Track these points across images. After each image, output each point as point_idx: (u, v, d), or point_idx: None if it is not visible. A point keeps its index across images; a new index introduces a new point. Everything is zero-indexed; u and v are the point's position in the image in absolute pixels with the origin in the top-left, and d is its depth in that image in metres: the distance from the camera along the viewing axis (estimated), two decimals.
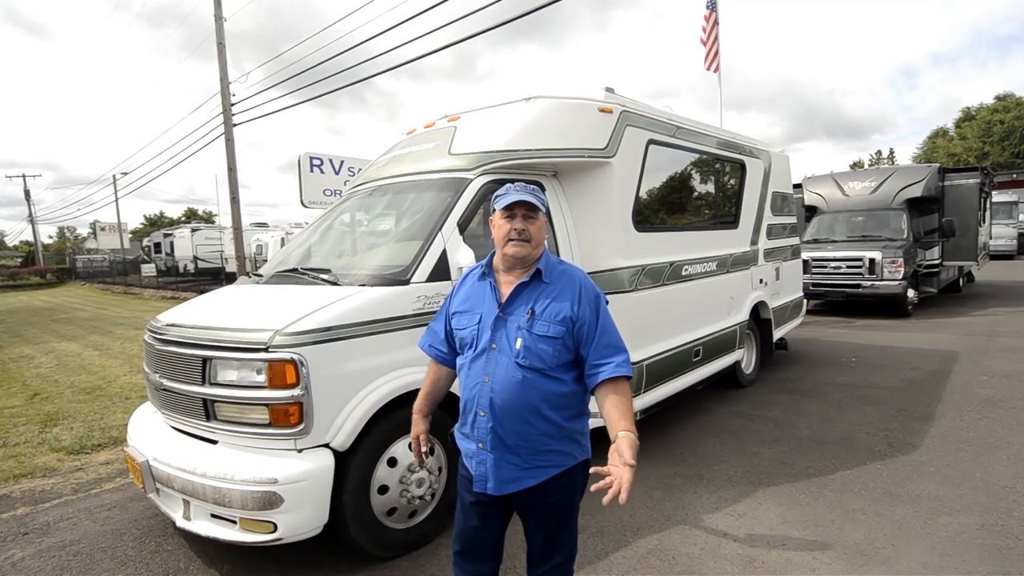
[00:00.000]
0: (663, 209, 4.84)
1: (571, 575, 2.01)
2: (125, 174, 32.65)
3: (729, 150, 5.74)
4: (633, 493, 3.80)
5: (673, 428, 4.77)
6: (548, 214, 3.74)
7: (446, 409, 3.14)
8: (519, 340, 1.81)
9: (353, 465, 2.75)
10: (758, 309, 6.07)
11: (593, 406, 1.91)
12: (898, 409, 5.05)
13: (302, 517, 2.58)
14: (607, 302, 1.91)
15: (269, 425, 2.62)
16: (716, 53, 12.21)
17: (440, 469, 3.13)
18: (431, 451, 2.11)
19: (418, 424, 2.14)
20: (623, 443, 1.65)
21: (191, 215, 66.06)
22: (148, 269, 31.10)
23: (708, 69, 12.25)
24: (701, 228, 5.38)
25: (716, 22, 12.16)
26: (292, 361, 2.58)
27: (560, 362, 1.81)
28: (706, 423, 4.90)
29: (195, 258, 29.28)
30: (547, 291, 1.84)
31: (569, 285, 1.85)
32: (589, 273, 2.17)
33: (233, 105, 14.16)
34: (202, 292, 4.27)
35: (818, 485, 3.64)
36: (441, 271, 3.18)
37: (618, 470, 1.58)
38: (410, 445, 2.18)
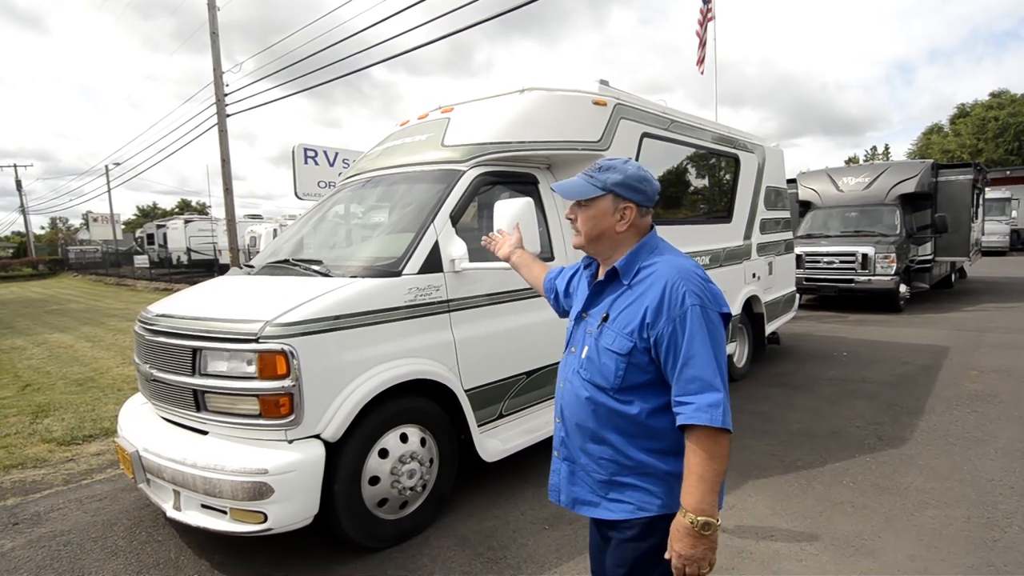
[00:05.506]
0: (656, 203, 4.84)
1: None
2: (117, 164, 32.46)
3: (723, 144, 5.74)
4: None
5: None
6: (541, 208, 3.75)
7: (441, 404, 3.17)
8: (586, 348, 1.56)
9: (344, 456, 2.75)
10: (750, 303, 6.10)
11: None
12: (888, 403, 5.09)
13: (292, 507, 2.58)
14: (715, 317, 1.42)
15: (259, 416, 2.62)
16: (706, 54, 12.12)
17: (431, 461, 3.14)
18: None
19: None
20: (675, 530, 1.37)
21: (184, 206, 65.64)
22: (141, 261, 30.87)
23: (698, 64, 12.17)
24: (694, 222, 5.39)
25: (710, 18, 12.07)
26: (282, 352, 2.57)
27: (628, 384, 1.46)
28: None
29: (188, 250, 29.11)
30: (628, 294, 1.50)
31: (652, 288, 1.45)
32: None
33: (227, 95, 14.06)
34: (195, 284, 4.26)
35: (807, 478, 3.67)
36: (433, 263, 3.18)
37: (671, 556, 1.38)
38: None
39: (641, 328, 1.43)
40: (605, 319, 1.52)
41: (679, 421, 1.37)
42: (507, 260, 2.30)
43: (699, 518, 1.32)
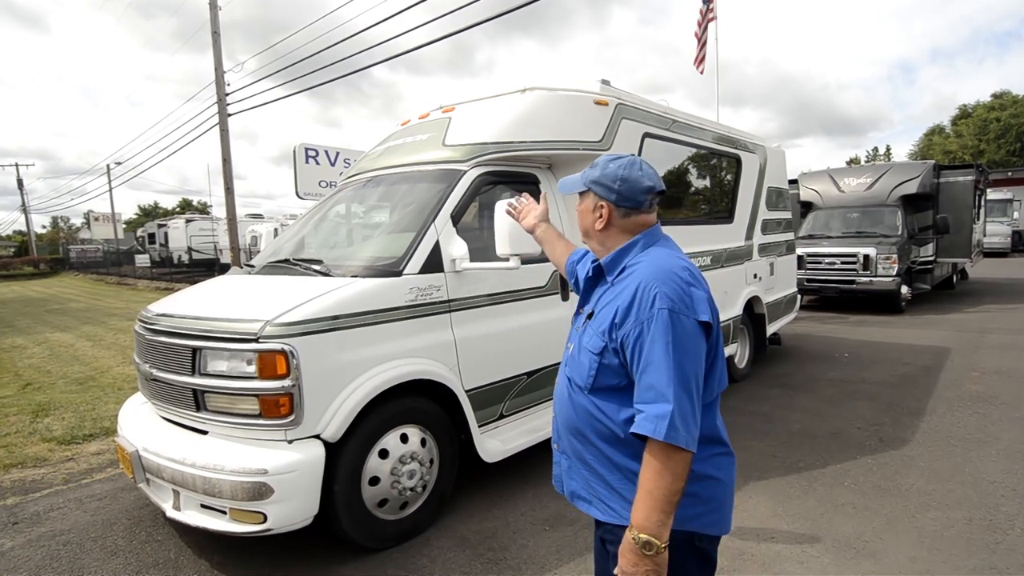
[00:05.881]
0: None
1: None
2: (119, 164, 32.44)
3: (725, 144, 5.73)
4: None
5: None
6: None
7: (441, 404, 3.16)
8: (572, 344, 1.55)
9: (344, 456, 2.74)
10: (752, 304, 6.08)
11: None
12: (889, 404, 5.08)
13: (292, 508, 2.58)
14: (686, 323, 1.30)
15: (259, 416, 2.61)
16: (706, 55, 12.09)
17: (432, 461, 3.13)
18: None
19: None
20: (621, 545, 1.29)
21: (186, 206, 65.69)
22: (142, 260, 30.90)
23: (696, 64, 12.15)
24: (696, 222, 5.38)
25: (711, 19, 12.04)
26: (283, 352, 2.56)
27: (600, 385, 1.41)
28: None
29: (189, 249, 29.12)
30: (610, 292, 1.46)
31: (628, 288, 1.39)
32: None
33: (228, 95, 14.05)
34: (195, 283, 4.26)
35: (808, 479, 3.66)
36: (434, 263, 3.17)
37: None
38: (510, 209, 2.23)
39: (611, 328, 1.38)
40: (590, 316, 1.49)
41: (632, 427, 1.30)
42: (531, 232, 2.14)
43: (641, 535, 1.24)
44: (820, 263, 10.40)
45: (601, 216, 1.52)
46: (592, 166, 1.56)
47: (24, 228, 51.58)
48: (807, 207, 12.11)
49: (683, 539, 1.36)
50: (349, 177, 4.43)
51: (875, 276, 9.81)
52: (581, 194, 1.59)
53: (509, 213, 2.30)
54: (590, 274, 1.59)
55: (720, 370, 1.43)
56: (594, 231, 1.55)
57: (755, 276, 6.12)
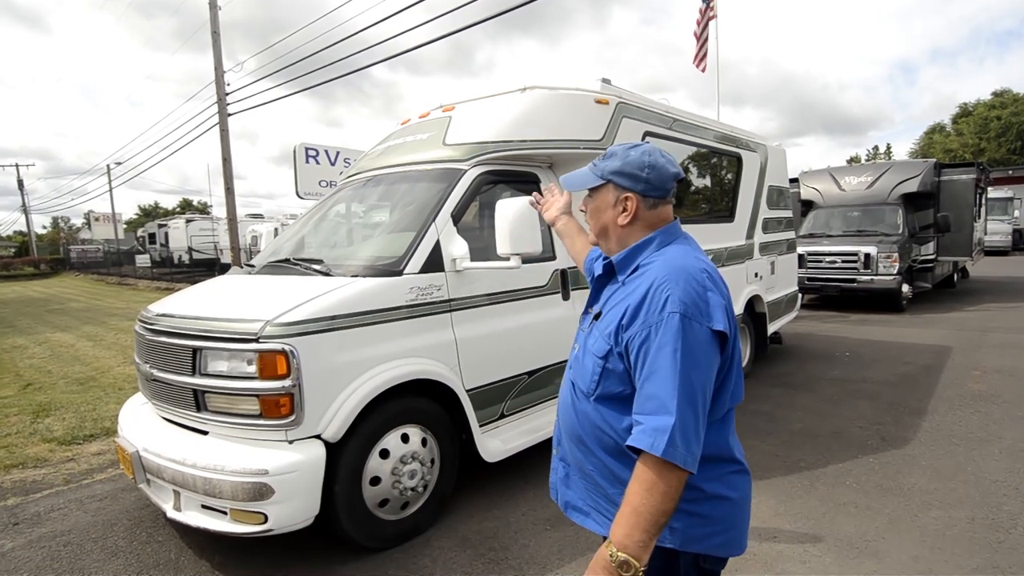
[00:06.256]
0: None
1: None
2: (119, 164, 32.43)
3: (726, 143, 5.72)
4: None
5: None
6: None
7: (442, 404, 3.15)
8: (577, 346, 1.47)
9: (345, 456, 2.73)
10: (753, 303, 6.07)
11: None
12: (891, 403, 5.07)
13: (293, 508, 2.57)
14: (698, 331, 1.20)
15: (260, 416, 2.60)
16: (706, 53, 12.07)
17: (433, 461, 3.12)
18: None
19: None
20: (595, 558, 1.18)
21: (186, 206, 65.76)
22: (142, 260, 30.93)
23: (695, 63, 12.14)
24: (697, 221, 5.37)
25: (711, 17, 12.03)
26: (283, 352, 2.56)
27: (604, 392, 1.32)
28: None
29: (190, 249, 29.14)
30: (620, 292, 1.36)
31: (639, 288, 1.28)
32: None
33: (228, 95, 14.05)
34: (196, 283, 4.26)
35: (810, 478, 3.65)
36: (435, 262, 3.16)
37: None
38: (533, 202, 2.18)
39: (618, 330, 1.28)
40: (597, 317, 1.40)
41: (628, 440, 1.20)
42: (552, 224, 2.05)
43: (619, 554, 1.12)
44: (821, 262, 10.39)
45: (626, 210, 1.40)
46: (606, 157, 1.45)
47: (25, 228, 51.62)
48: (808, 206, 12.10)
49: (688, 559, 1.32)
50: (349, 176, 4.42)
51: (876, 275, 9.80)
52: (592, 190, 1.47)
53: (533, 206, 2.24)
54: (600, 272, 1.50)
55: (734, 382, 1.33)
56: (616, 227, 1.42)
57: (756, 275, 6.11)
